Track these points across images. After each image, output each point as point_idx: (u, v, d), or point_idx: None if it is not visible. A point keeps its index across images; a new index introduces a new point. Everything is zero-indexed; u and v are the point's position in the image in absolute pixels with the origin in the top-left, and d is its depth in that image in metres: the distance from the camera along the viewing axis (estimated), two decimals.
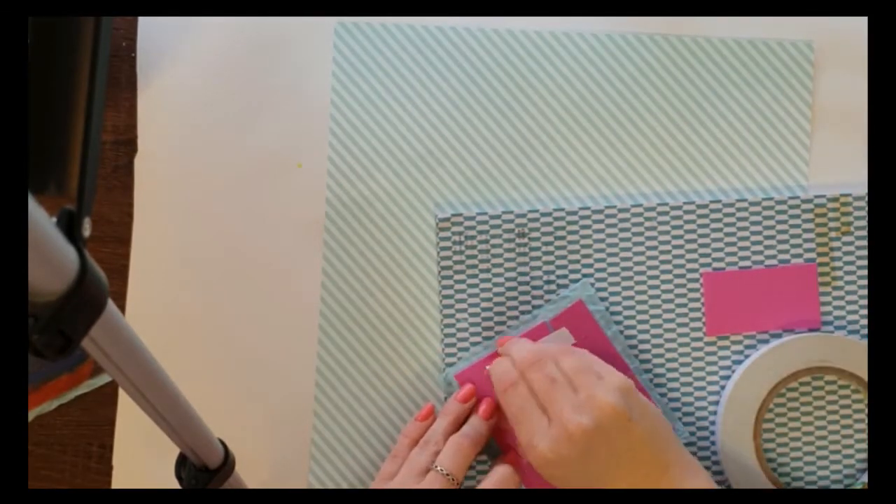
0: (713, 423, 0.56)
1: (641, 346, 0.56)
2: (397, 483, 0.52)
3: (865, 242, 0.56)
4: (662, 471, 0.47)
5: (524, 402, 0.50)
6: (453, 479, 0.51)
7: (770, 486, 0.54)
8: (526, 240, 0.57)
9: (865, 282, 0.56)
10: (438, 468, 0.52)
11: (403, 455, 0.54)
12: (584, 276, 0.57)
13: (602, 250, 0.57)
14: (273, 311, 0.57)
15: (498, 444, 0.56)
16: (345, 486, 0.57)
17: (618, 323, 0.57)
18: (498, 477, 0.53)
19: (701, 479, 0.48)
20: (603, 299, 0.57)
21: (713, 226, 0.57)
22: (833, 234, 0.57)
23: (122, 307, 0.57)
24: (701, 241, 0.57)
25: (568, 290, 0.56)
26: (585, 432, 0.46)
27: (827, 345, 0.55)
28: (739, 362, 0.56)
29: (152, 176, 0.58)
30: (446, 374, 0.56)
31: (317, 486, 0.57)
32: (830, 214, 0.57)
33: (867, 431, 0.56)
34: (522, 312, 0.57)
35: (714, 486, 0.48)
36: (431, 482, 0.51)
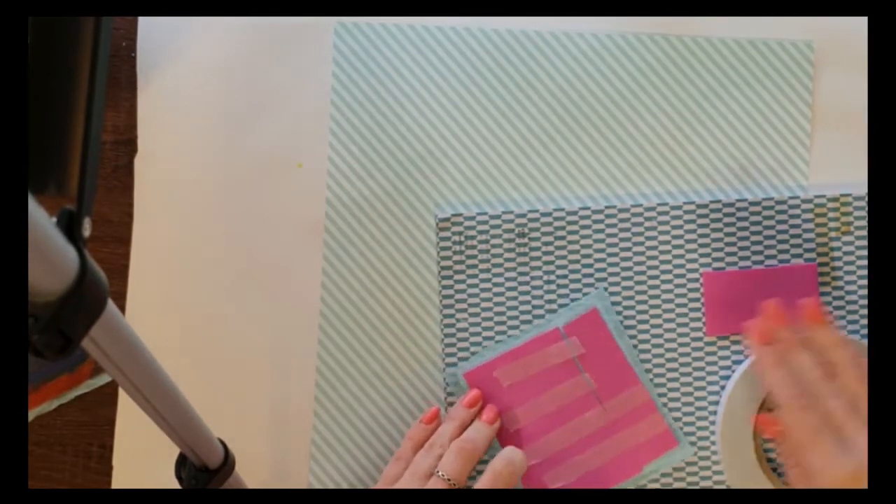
0: (713, 423, 0.56)
1: (641, 346, 0.56)
2: (401, 486, 0.52)
3: (865, 242, 0.56)
4: None
5: (820, 425, 0.46)
6: (455, 485, 0.51)
7: (770, 485, 0.54)
8: (526, 240, 0.57)
9: (865, 282, 0.56)
10: (440, 473, 0.51)
11: (407, 458, 0.54)
12: (585, 275, 0.57)
13: (602, 250, 0.57)
14: (273, 311, 0.57)
15: (500, 445, 0.56)
16: (345, 486, 0.57)
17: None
18: (506, 456, 0.52)
19: None
20: None
21: (713, 226, 0.57)
22: (833, 234, 0.57)
23: (122, 307, 0.57)
24: (701, 241, 0.57)
25: (583, 298, 0.56)
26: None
27: None
28: (739, 362, 0.56)
29: (152, 176, 0.58)
30: (454, 372, 0.56)
31: (317, 486, 0.57)
32: (830, 214, 0.57)
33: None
34: (522, 313, 0.57)
35: None
36: (434, 487, 0.51)
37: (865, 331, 0.56)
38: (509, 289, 0.57)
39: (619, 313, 0.57)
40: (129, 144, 0.58)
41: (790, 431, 0.48)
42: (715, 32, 0.58)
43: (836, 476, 0.46)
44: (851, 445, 0.45)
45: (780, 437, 0.49)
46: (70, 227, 0.30)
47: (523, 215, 0.57)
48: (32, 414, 0.56)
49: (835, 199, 0.57)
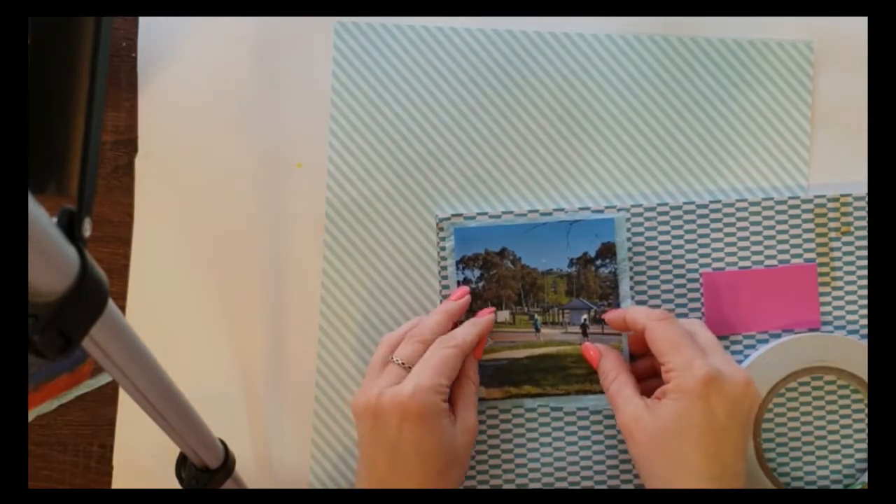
0: None
1: None
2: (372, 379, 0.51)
3: (865, 242, 0.56)
4: (735, 475, 0.47)
5: (683, 332, 0.50)
6: (406, 367, 0.51)
7: (770, 485, 0.54)
8: None
9: (865, 282, 0.56)
10: (397, 360, 0.51)
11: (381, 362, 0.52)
12: None
13: None
14: (273, 311, 0.57)
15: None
16: (345, 486, 0.57)
17: None
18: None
19: None
20: None
21: (713, 226, 0.57)
22: (833, 235, 0.57)
23: (122, 307, 0.57)
24: (701, 241, 0.57)
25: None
26: (742, 382, 0.47)
27: (827, 345, 0.55)
28: (739, 362, 0.56)
29: (152, 176, 0.58)
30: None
31: (317, 486, 0.57)
32: (830, 215, 0.57)
33: (867, 431, 0.56)
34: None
35: None
36: (389, 373, 0.50)
37: (865, 331, 0.56)
38: None
39: None
40: (129, 144, 0.58)
41: (655, 343, 0.50)
42: (715, 32, 0.58)
43: (697, 373, 0.47)
44: (702, 354, 0.49)
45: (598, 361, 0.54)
46: (70, 227, 0.30)
47: (523, 215, 0.57)
48: (32, 414, 0.56)
49: (835, 200, 0.57)
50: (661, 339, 0.49)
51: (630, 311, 0.52)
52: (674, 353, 0.49)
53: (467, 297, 0.55)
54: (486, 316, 0.55)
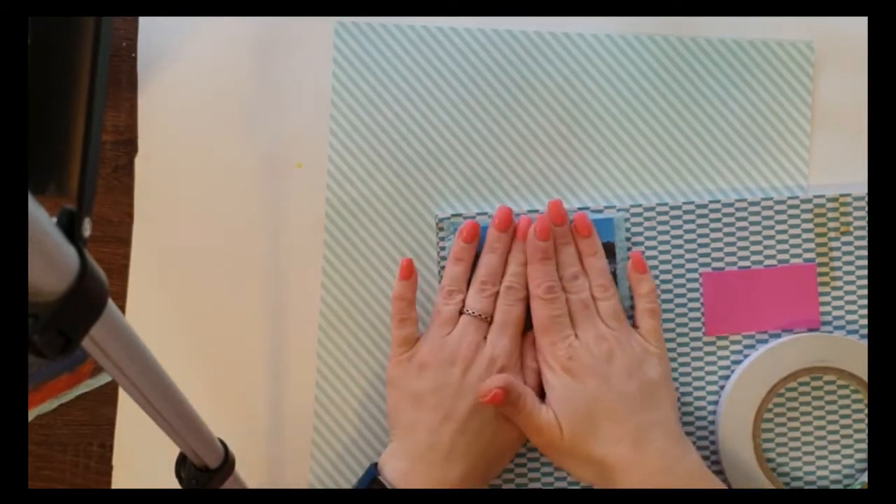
0: (713, 423, 0.56)
1: None
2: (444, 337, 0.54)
3: (865, 242, 0.56)
4: (647, 428, 0.50)
5: (561, 314, 0.53)
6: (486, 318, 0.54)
7: (770, 485, 0.55)
8: None
9: (865, 282, 0.56)
10: (472, 311, 0.54)
11: (412, 317, 0.54)
12: None
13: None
14: (273, 310, 0.57)
15: None
16: (345, 486, 0.57)
17: None
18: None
19: (688, 457, 0.50)
20: None
21: (713, 226, 0.57)
22: (833, 235, 0.57)
23: (122, 307, 0.57)
24: (701, 241, 0.57)
25: None
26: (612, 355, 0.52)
27: (826, 345, 0.55)
28: (739, 362, 0.56)
29: (152, 176, 0.58)
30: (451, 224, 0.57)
31: (317, 486, 0.57)
32: (830, 214, 0.57)
33: (867, 431, 0.56)
34: None
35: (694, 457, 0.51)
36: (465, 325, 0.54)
37: (865, 331, 0.56)
38: None
39: None
40: (129, 144, 0.58)
41: (535, 316, 0.54)
42: (715, 32, 0.58)
43: (557, 358, 0.52)
44: (569, 335, 0.53)
45: None
46: (70, 227, 0.30)
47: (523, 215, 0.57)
48: (32, 414, 0.56)
49: (834, 200, 0.57)
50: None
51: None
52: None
53: (476, 226, 0.56)
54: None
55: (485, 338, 0.53)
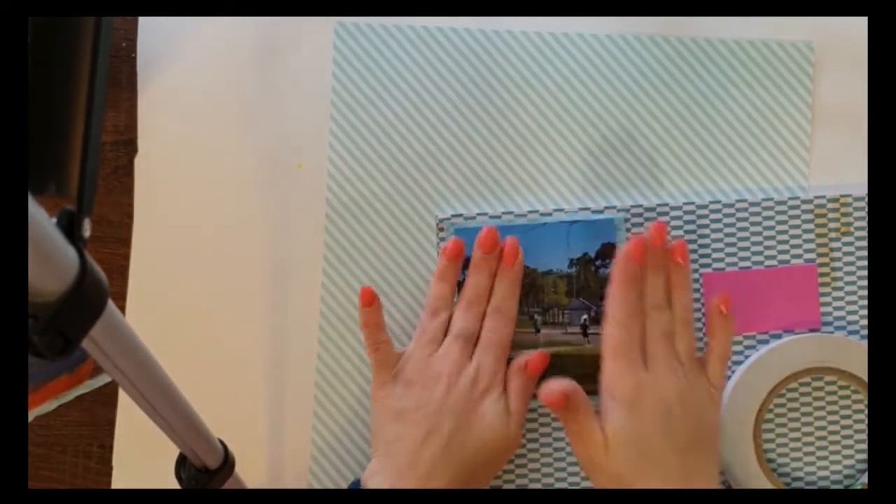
0: None
1: None
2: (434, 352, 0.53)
3: (865, 243, 0.56)
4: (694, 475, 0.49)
5: (635, 343, 0.51)
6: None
7: (770, 486, 0.54)
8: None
9: (865, 282, 0.56)
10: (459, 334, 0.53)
11: (385, 339, 0.54)
12: None
13: None
14: (273, 311, 0.57)
15: None
16: (345, 486, 0.57)
17: None
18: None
19: None
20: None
21: (713, 226, 0.57)
22: (833, 235, 0.57)
23: (122, 307, 0.57)
24: (701, 241, 0.57)
25: None
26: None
27: (827, 345, 0.55)
28: (739, 362, 0.56)
29: (152, 176, 0.58)
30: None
31: (317, 486, 0.57)
32: (830, 215, 0.57)
33: (867, 432, 0.56)
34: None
35: None
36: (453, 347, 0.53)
37: (865, 331, 0.56)
38: None
39: None
40: (129, 144, 0.58)
41: (607, 340, 0.51)
42: (715, 32, 0.58)
43: (622, 389, 0.50)
44: (639, 367, 0.50)
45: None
46: (70, 227, 0.29)
47: (523, 215, 0.57)
48: (32, 414, 0.56)
49: (835, 200, 0.57)
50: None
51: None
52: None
53: (461, 244, 0.55)
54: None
55: (470, 357, 0.53)
